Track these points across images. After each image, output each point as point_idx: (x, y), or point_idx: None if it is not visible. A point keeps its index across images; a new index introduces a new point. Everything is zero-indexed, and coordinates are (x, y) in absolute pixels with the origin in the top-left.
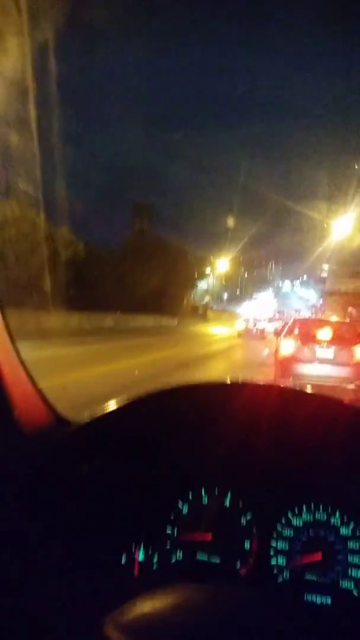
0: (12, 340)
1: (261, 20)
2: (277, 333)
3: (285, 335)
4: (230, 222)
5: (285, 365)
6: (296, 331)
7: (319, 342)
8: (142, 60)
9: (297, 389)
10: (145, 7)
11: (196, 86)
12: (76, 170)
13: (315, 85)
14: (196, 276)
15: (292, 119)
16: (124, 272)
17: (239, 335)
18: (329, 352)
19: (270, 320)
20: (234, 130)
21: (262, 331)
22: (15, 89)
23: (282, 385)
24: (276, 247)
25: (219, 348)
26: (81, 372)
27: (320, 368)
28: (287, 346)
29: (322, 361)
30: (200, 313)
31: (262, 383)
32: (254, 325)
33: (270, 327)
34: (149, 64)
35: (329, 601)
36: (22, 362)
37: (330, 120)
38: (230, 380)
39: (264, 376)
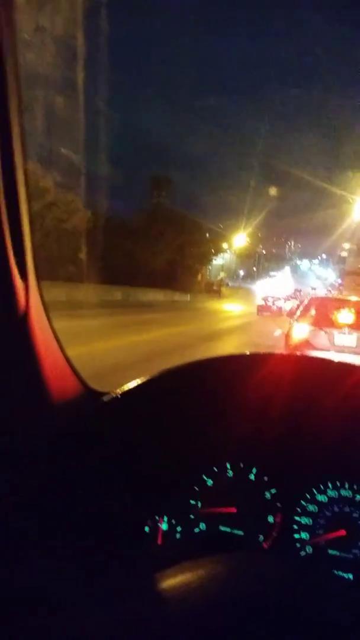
0: (47, 312)
1: None
2: (290, 314)
3: (298, 318)
4: (250, 196)
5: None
6: (312, 312)
7: (338, 326)
8: (162, 33)
9: (322, 357)
10: None
11: (219, 57)
12: (98, 143)
13: (343, 55)
14: (212, 251)
15: (317, 90)
16: (136, 244)
17: (258, 311)
18: (350, 339)
19: (287, 298)
20: (257, 102)
21: (280, 309)
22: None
23: (307, 355)
24: (296, 225)
25: (228, 327)
26: (104, 343)
27: (338, 358)
28: (300, 330)
29: (342, 349)
30: (214, 289)
31: (286, 353)
32: (273, 303)
33: (287, 306)
34: (169, 37)
35: (351, 577)
36: (56, 334)
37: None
38: (252, 352)
39: None
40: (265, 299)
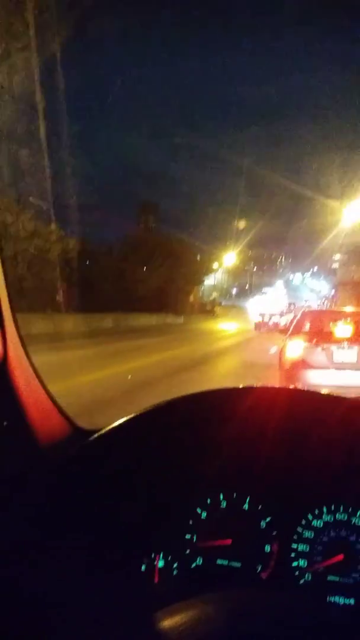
0: (27, 351)
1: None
2: (283, 330)
3: (292, 334)
4: (238, 217)
5: (292, 373)
6: (306, 327)
7: (336, 341)
8: (146, 64)
9: (311, 390)
10: (147, 15)
11: (201, 87)
12: (84, 174)
13: (321, 74)
14: (203, 272)
15: (298, 110)
16: (125, 270)
17: (256, 328)
18: (350, 354)
19: (282, 313)
20: (240, 124)
21: (277, 324)
22: (22, 103)
23: (296, 388)
24: (285, 240)
25: (222, 347)
26: (84, 377)
27: (338, 376)
28: (294, 348)
29: (342, 366)
30: (208, 309)
31: (276, 386)
32: (269, 319)
33: (283, 321)
34: (153, 67)
35: (352, 602)
36: (36, 370)
37: (338, 114)
38: (242, 386)
39: (268, 381)
40: (262, 316)
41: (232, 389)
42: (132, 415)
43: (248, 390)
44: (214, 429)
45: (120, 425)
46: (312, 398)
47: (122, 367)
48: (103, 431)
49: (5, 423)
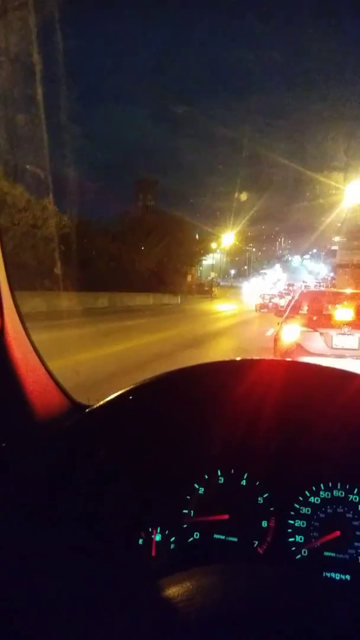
0: (24, 324)
1: None
2: (279, 312)
3: (288, 317)
4: (238, 195)
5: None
6: (303, 310)
7: (336, 326)
8: (145, 34)
9: (313, 363)
10: None
11: (200, 57)
12: (81, 148)
13: (324, 51)
14: (201, 252)
15: (300, 85)
16: (121, 248)
17: (257, 309)
18: (351, 340)
19: (281, 295)
20: (241, 100)
21: (276, 305)
22: (19, 66)
23: (296, 360)
24: (285, 221)
25: (220, 328)
26: (84, 354)
27: (337, 364)
28: (291, 333)
29: (342, 353)
30: (206, 290)
31: (276, 359)
32: (269, 300)
33: (283, 302)
34: (152, 37)
35: (348, 577)
36: (35, 347)
37: (342, 86)
38: (239, 359)
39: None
40: (262, 297)
41: (228, 361)
42: (128, 389)
43: (246, 362)
44: (212, 403)
45: (117, 398)
46: (314, 371)
47: (117, 347)
48: (100, 404)
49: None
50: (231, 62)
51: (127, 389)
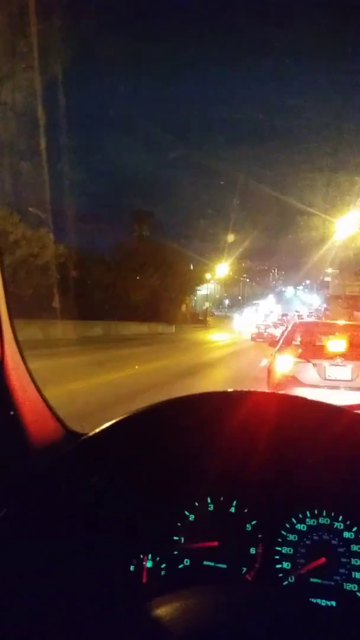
0: (23, 355)
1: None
2: (273, 342)
3: (281, 348)
4: (232, 228)
5: (280, 390)
6: (297, 340)
7: (329, 356)
8: (145, 80)
9: (301, 397)
10: (145, 34)
11: (197, 103)
12: (79, 182)
13: (315, 98)
14: (196, 282)
15: (292, 120)
16: (117, 278)
17: (252, 339)
18: (344, 371)
19: (276, 325)
20: (234, 136)
21: (272, 335)
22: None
23: (285, 393)
24: (278, 253)
25: (213, 358)
26: (79, 383)
27: (330, 395)
28: (284, 364)
29: (336, 384)
30: (200, 319)
31: (265, 391)
32: (265, 330)
33: (278, 332)
34: (152, 83)
35: (333, 604)
36: (32, 377)
37: (333, 121)
38: (231, 390)
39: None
40: (258, 327)
41: (220, 392)
42: (122, 417)
43: (237, 394)
44: (203, 433)
45: (110, 426)
46: (302, 404)
47: (110, 376)
48: (94, 432)
49: None
50: (227, 111)
51: (120, 417)
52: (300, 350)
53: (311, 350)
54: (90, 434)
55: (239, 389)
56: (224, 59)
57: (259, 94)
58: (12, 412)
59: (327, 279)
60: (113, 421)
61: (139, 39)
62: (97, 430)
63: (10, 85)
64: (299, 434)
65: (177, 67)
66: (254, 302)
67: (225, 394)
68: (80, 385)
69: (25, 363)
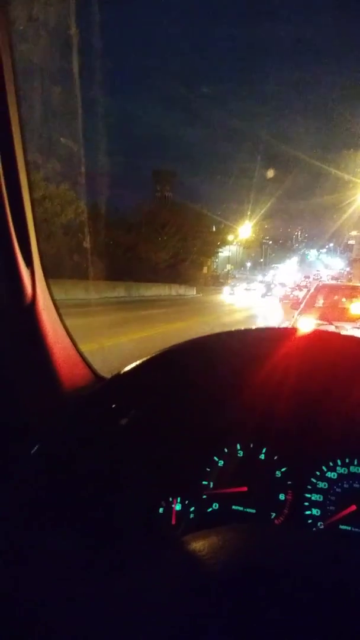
0: (52, 296)
1: None
2: (294, 304)
3: (303, 310)
4: (255, 188)
5: None
6: (319, 303)
7: (351, 319)
8: (162, 23)
9: (341, 333)
10: None
11: (213, 45)
12: (99, 139)
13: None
14: (218, 244)
15: (315, 70)
16: (138, 239)
17: (280, 300)
18: None
19: (300, 287)
20: (257, 92)
21: (296, 298)
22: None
23: (322, 330)
24: (301, 213)
25: (234, 320)
26: (106, 340)
27: None
28: (305, 325)
29: None
30: (221, 281)
31: (295, 328)
32: (291, 292)
33: (301, 294)
34: (170, 26)
35: None
36: (62, 319)
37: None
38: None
39: None
40: (285, 289)
41: (255, 330)
42: (150, 356)
43: (274, 331)
44: (234, 374)
45: (139, 366)
46: (341, 342)
47: (132, 335)
48: (121, 372)
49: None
50: (255, 62)
51: (151, 355)
52: (322, 313)
53: (333, 313)
54: (121, 372)
55: (272, 327)
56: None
57: (293, 56)
58: (42, 352)
59: (351, 241)
60: (142, 360)
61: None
62: (124, 370)
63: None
64: (336, 372)
65: (198, 14)
66: (273, 265)
67: (257, 331)
68: (108, 343)
69: (55, 304)
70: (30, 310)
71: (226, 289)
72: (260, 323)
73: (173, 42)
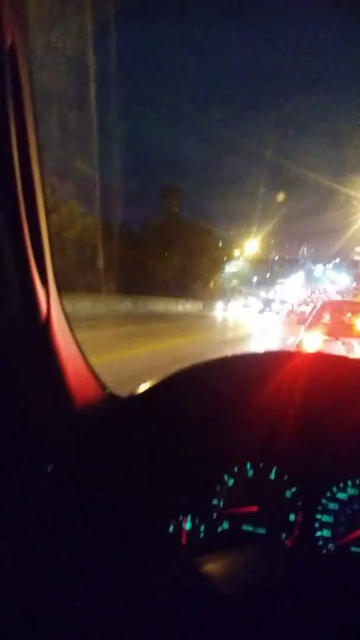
0: (66, 315)
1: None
2: (301, 320)
3: (309, 326)
4: (261, 204)
5: None
6: (325, 319)
7: (357, 335)
8: (175, 48)
9: (348, 357)
10: None
11: (222, 68)
12: (108, 154)
13: (345, 59)
14: (224, 259)
15: (323, 93)
16: (146, 253)
17: (288, 314)
18: None
19: (307, 303)
20: (263, 109)
21: (302, 313)
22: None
23: (331, 354)
24: (307, 229)
25: (240, 335)
26: (113, 354)
27: None
28: (312, 341)
29: None
30: (227, 296)
31: (306, 352)
32: (298, 307)
33: (308, 309)
34: (175, 47)
35: None
36: (75, 337)
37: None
38: (273, 350)
39: None
40: (292, 305)
41: (263, 352)
42: (162, 379)
43: (281, 354)
44: (241, 395)
45: (151, 388)
46: (348, 364)
47: (144, 348)
48: (134, 394)
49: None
50: (254, 72)
51: (161, 379)
52: (328, 328)
53: (340, 329)
54: (131, 395)
55: (279, 350)
56: (257, 22)
57: (297, 71)
58: (56, 370)
59: (357, 257)
60: (154, 383)
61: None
62: (138, 391)
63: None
64: (344, 395)
65: (211, 31)
66: (279, 280)
67: (268, 354)
68: (116, 356)
69: (68, 321)
70: (44, 328)
71: (219, 305)
72: (263, 340)
73: (185, 64)
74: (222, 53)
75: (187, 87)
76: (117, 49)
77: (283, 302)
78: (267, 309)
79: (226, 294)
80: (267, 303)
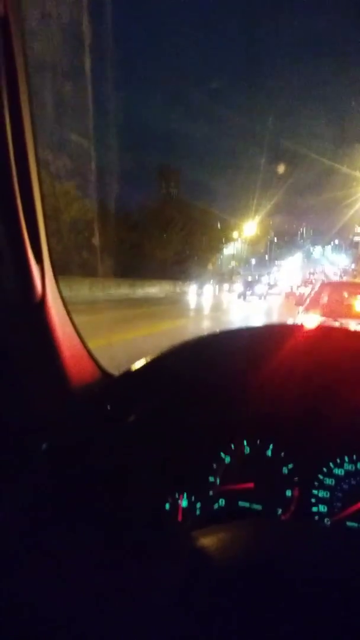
0: (62, 295)
1: None
2: (299, 301)
3: (307, 307)
4: (260, 185)
5: None
6: (323, 300)
7: (355, 316)
8: (165, 21)
9: (344, 327)
10: None
11: (227, 44)
12: (104, 136)
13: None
14: (223, 240)
15: (321, 65)
16: (143, 236)
17: (286, 297)
18: None
19: (306, 284)
20: (263, 88)
21: (301, 294)
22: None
23: (332, 326)
24: (307, 210)
25: (239, 317)
26: (115, 336)
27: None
28: (310, 321)
29: None
30: (226, 278)
31: (309, 325)
32: (297, 289)
33: (307, 290)
34: (179, 24)
35: None
36: (71, 317)
37: None
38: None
39: None
40: (291, 287)
41: (263, 326)
42: (158, 354)
43: (281, 328)
44: (241, 370)
45: (146, 364)
46: (346, 334)
47: (147, 330)
48: (129, 370)
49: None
50: (258, 58)
51: (157, 354)
52: (326, 309)
53: (338, 309)
54: (127, 371)
55: (279, 324)
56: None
57: (296, 50)
58: (51, 350)
59: (357, 238)
60: (149, 358)
61: None
62: (133, 367)
63: None
64: (341, 371)
65: (205, 12)
66: (276, 262)
67: (262, 328)
68: (114, 339)
69: (63, 301)
70: (40, 307)
71: (193, 288)
72: (266, 319)
73: (182, 39)
74: (220, 25)
75: (188, 63)
76: (114, 21)
77: (272, 285)
78: (249, 291)
79: (224, 276)
80: (249, 285)
